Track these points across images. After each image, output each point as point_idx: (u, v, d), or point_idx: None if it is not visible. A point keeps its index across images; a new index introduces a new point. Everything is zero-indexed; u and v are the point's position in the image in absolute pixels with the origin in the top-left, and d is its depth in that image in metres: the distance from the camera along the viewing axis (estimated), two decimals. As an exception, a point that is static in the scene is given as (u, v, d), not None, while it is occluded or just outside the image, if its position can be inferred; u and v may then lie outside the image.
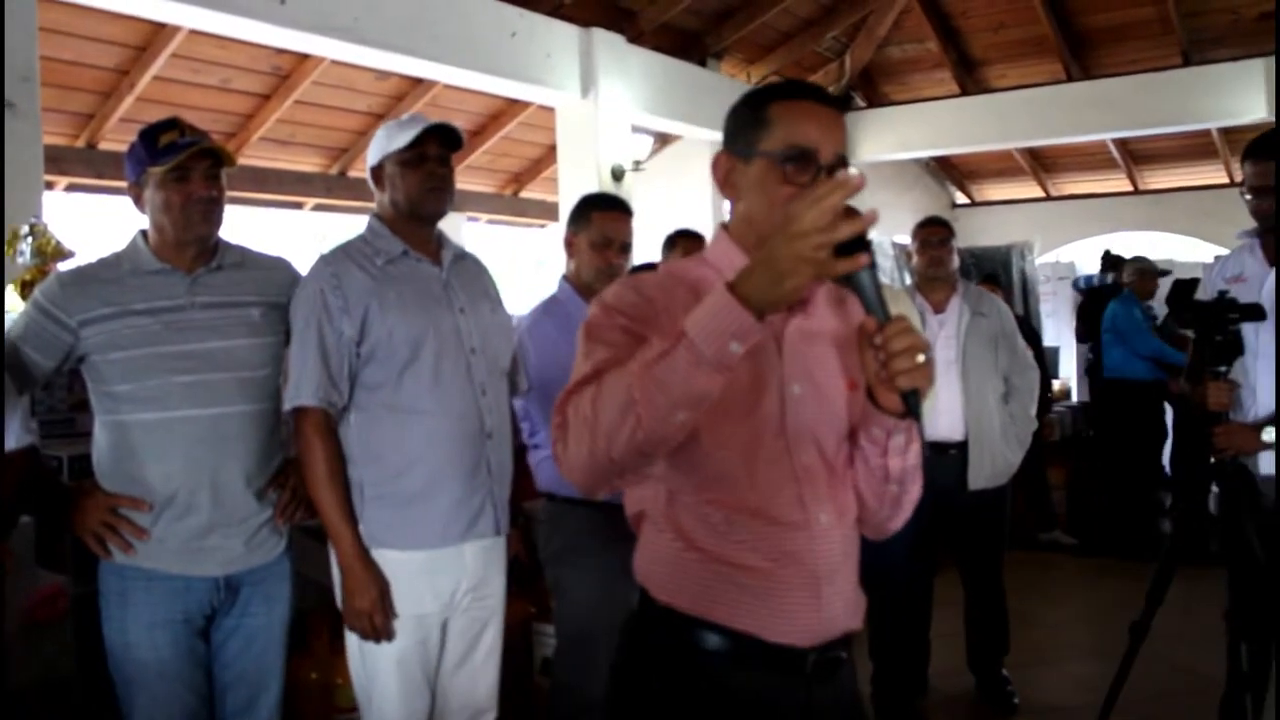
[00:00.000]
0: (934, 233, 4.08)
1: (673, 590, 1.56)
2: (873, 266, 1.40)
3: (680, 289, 1.56)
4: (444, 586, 2.43)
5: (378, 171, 2.50)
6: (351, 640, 2.43)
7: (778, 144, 1.53)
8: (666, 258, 3.38)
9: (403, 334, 2.37)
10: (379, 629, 2.35)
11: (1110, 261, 7.88)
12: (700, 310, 1.33)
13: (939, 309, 4.04)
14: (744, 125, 1.58)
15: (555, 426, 1.44)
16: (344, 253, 2.45)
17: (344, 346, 2.36)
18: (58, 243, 3.26)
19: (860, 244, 1.38)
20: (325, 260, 2.44)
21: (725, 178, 1.61)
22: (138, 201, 2.42)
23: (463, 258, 2.61)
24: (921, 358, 1.38)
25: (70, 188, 6.94)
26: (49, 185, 6.51)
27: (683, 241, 4.03)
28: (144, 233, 2.44)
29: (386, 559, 2.38)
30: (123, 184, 2.46)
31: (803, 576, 1.53)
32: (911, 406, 1.42)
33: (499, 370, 2.56)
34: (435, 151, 2.47)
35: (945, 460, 3.92)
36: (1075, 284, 8.60)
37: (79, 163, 6.72)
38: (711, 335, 1.30)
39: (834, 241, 1.28)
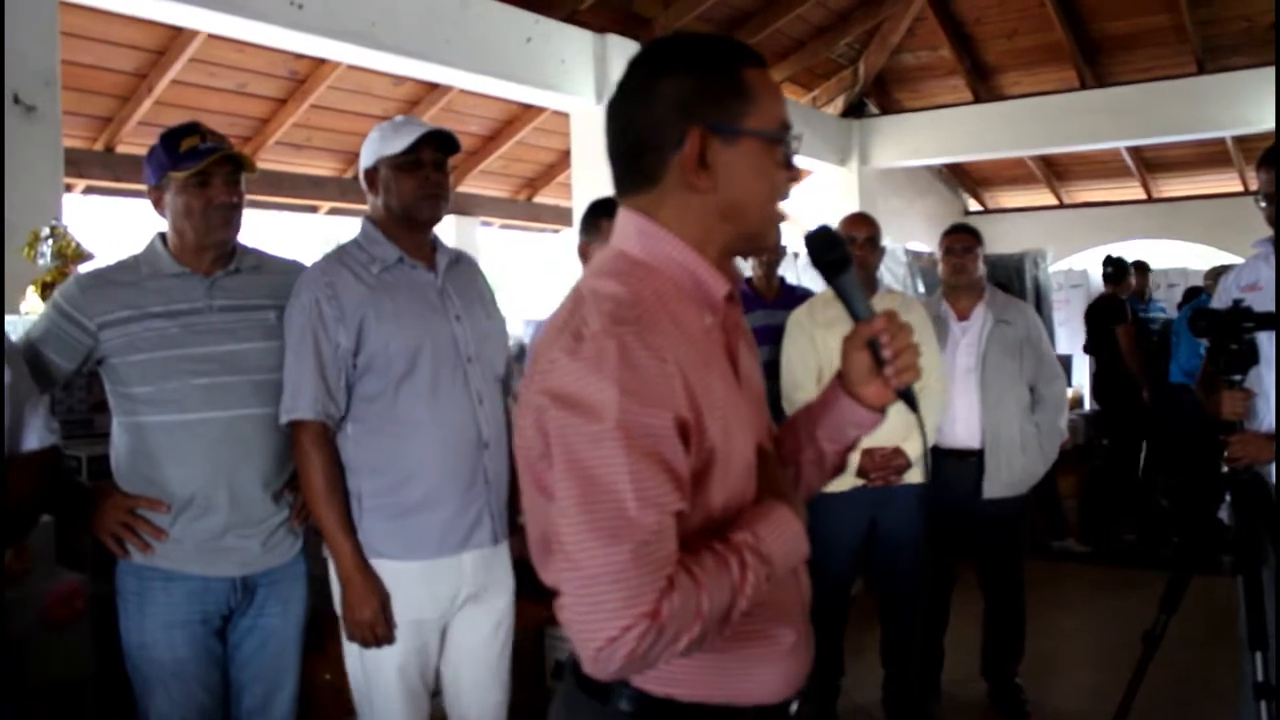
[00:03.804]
0: (958, 240, 4.06)
1: (672, 679, 1.32)
2: (850, 265, 1.43)
3: (672, 332, 1.26)
4: (443, 593, 2.42)
5: (371, 174, 2.45)
6: (351, 648, 2.42)
7: (770, 121, 1.33)
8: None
9: (399, 345, 2.34)
10: (380, 638, 2.34)
11: (1116, 266, 7.73)
12: (788, 552, 1.31)
13: (963, 316, 4.03)
14: (716, 93, 1.30)
15: (643, 630, 1.15)
16: (338, 260, 2.40)
17: (340, 358, 2.32)
18: (78, 245, 3.28)
19: (843, 259, 1.42)
20: (320, 268, 2.39)
21: (700, 159, 1.30)
22: (157, 205, 2.43)
23: (457, 261, 2.55)
24: (924, 351, 1.40)
25: (88, 190, 7.00)
26: (67, 188, 6.55)
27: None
28: (162, 235, 2.45)
29: (385, 568, 2.36)
30: (140, 187, 2.47)
31: (801, 622, 1.42)
32: (911, 400, 1.42)
33: (494, 377, 2.51)
34: (431, 157, 2.41)
35: (963, 467, 3.91)
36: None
37: (97, 165, 6.77)
38: (790, 563, 1.33)
39: None
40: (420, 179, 2.40)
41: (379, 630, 2.34)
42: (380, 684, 2.41)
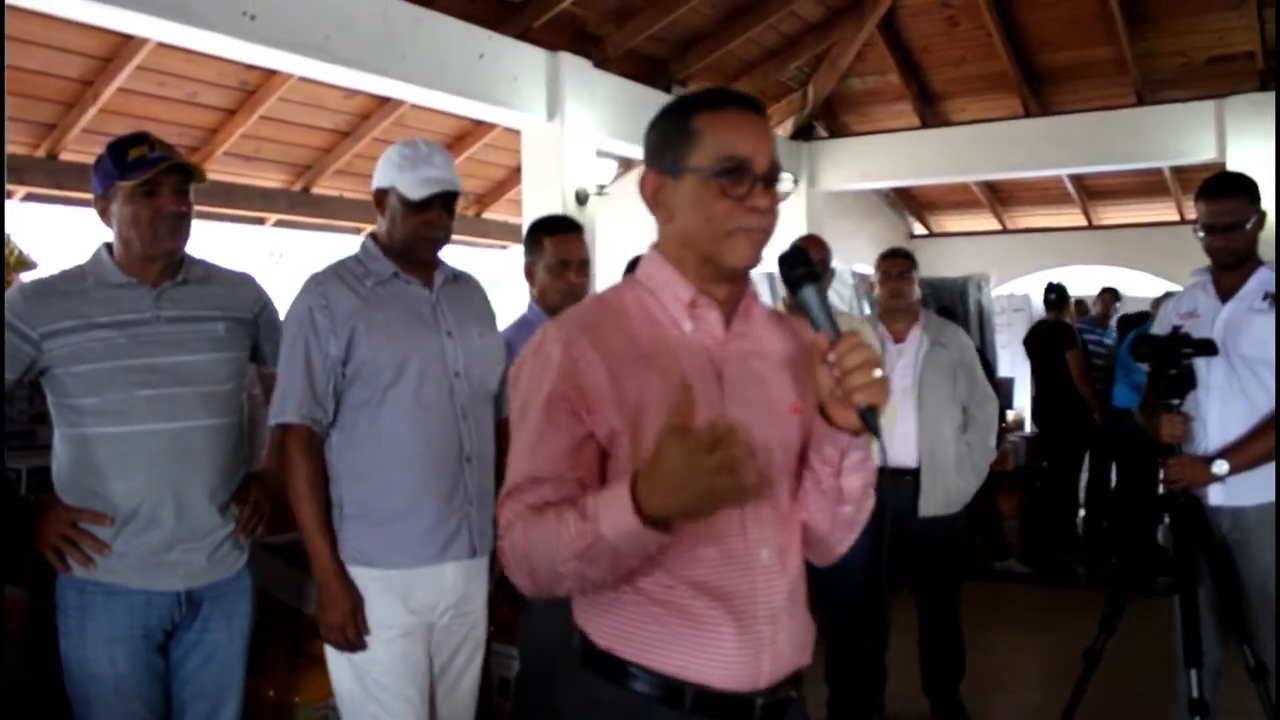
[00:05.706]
0: (896, 264, 4.14)
1: (612, 635, 1.51)
2: (816, 281, 1.47)
3: (614, 332, 1.51)
4: (424, 601, 2.43)
5: (380, 196, 2.49)
6: (339, 657, 2.42)
7: (708, 158, 1.48)
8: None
9: (386, 356, 2.38)
10: (351, 642, 2.36)
11: (1058, 293, 7.85)
12: (614, 521, 1.32)
13: (899, 339, 4.10)
14: (669, 140, 1.53)
15: (500, 551, 1.48)
16: (334, 272, 2.46)
17: (329, 365, 2.37)
18: (21, 253, 3.23)
19: (807, 275, 1.47)
20: (316, 279, 2.44)
21: (654, 196, 1.56)
22: (104, 215, 2.40)
23: (456, 279, 2.60)
24: (878, 372, 1.39)
25: (28, 197, 6.85)
26: (7, 194, 6.43)
27: None
28: (108, 245, 2.42)
29: (365, 575, 2.38)
30: (83, 195, 2.45)
31: (746, 618, 1.49)
32: (870, 423, 1.40)
33: (484, 393, 2.55)
34: (440, 201, 2.46)
35: (900, 486, 3.96)
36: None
37: (39, 172, 6.64)
38: (630, 545, 1.34)
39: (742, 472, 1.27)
40: (425, 221, 2.45)
41: (349, 634, 2.35)
42: (358, 693, 2.40)
